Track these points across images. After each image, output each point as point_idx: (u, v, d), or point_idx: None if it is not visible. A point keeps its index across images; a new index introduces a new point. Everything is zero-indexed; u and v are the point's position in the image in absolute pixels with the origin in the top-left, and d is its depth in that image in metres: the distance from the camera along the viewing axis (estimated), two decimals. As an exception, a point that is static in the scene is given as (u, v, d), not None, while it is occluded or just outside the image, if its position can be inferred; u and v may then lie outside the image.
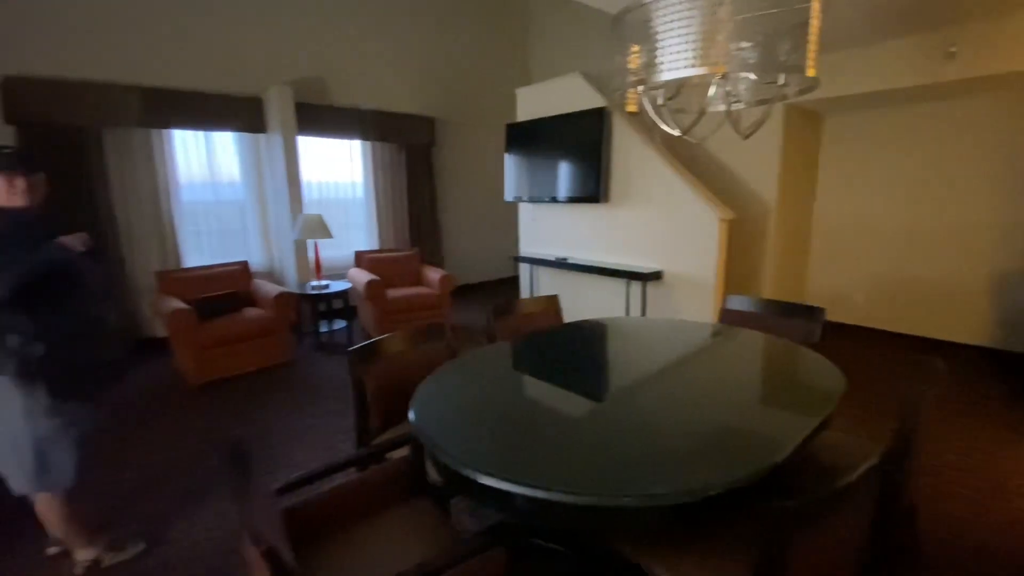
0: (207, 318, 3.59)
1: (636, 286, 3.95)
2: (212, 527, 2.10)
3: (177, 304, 3.50)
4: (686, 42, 1.31)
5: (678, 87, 1.60)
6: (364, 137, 5.46)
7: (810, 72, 1.35)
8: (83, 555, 1.86)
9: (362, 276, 4.47)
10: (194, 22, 4.38)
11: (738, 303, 2.51)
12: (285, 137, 4.55)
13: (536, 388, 1.75)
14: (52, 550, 1.93)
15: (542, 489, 1.05)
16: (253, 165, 4.91)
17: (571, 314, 4.58)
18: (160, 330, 4.29)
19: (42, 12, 3.75)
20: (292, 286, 4.62)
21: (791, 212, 4.39)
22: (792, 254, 4.58)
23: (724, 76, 1.46)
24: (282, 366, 3.90)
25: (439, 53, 6.10)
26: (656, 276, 3.77)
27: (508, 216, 7.16)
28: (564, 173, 4.32)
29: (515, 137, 4.79)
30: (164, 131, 4.33)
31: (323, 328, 4.59)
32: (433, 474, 1.54)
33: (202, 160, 4.65)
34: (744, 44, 1.44)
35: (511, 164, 4.86)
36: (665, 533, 1.30)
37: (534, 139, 4.58)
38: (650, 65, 1.46)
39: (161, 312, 3.58)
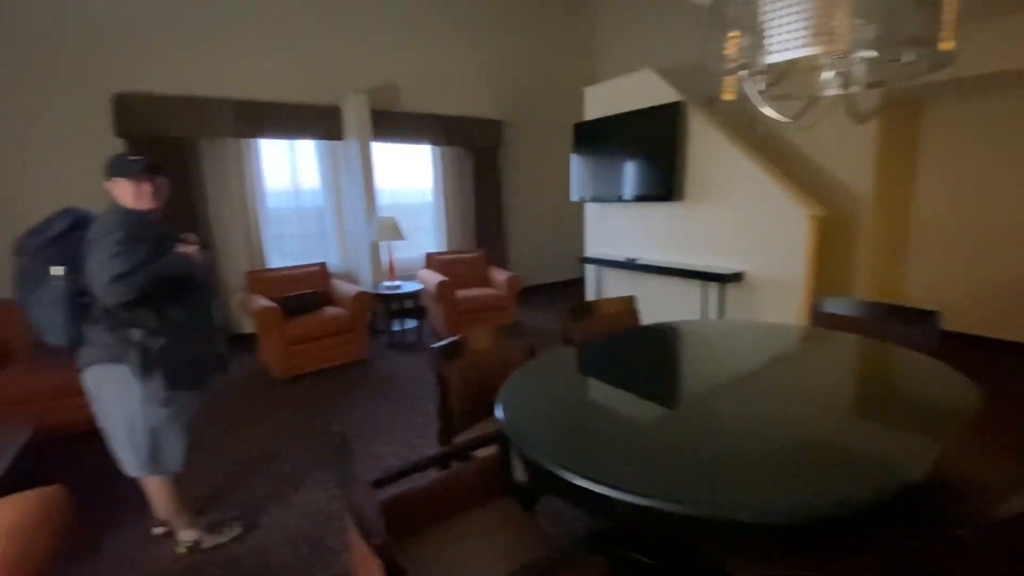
0: (291, 316, 3.78)
1: (713, 288, 3.77)
2: (303, 514, 2.19)
3: (265, 302, 3.72)
4: (800, 19, 1.21)
5: (783, 72, 1.49)
6: (433, 142, 5.58)
7: (947, 45, 1.20)
8: (185, 536, 1.98)
9: (433, 277, 4.56)
10: (279, 38, 4.66)
11: (835, 305, 2.32)
12: (361, 143, 4.73)
13: (626, 391, 1.68)
14: (157, 530, 2.07)
15: (643, 495, 1.00)
16: (331, 171, 5.15)
17: (643, 318, 4.45)
18: (247, 326, 4.59)
19: (148, 34, 4.12)
20: (367, 286, 4.79)
21: (887, 208, 4.03)
22: (888, 254, 4.20)
23: (842, 56, 1.34)
24: (358, 363, 4.04)
25: (506, 56, 6.14)
26: (736, 278, 3.57)
27: (573, 217, 7.08)
28: (634, 171, 4.20)
29: (583, 136, 4.72)
30: (253, 141, 4.63)
31: (395, 327, 4.73)
32: (520, 473, 1.52)
33: (285, 167, 4.94)
34: (861, 20, 1.31)
35: (578, 164, 4.80)
36: (776, 552, 1.20)
37: (602, 138, 4.49)
38: (754, 48, 1.37)
39: (250, 309, 3.81)
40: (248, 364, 4.08)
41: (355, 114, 4.70)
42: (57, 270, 1.56)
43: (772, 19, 1.25)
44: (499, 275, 4.84)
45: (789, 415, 1.41)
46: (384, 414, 3.14)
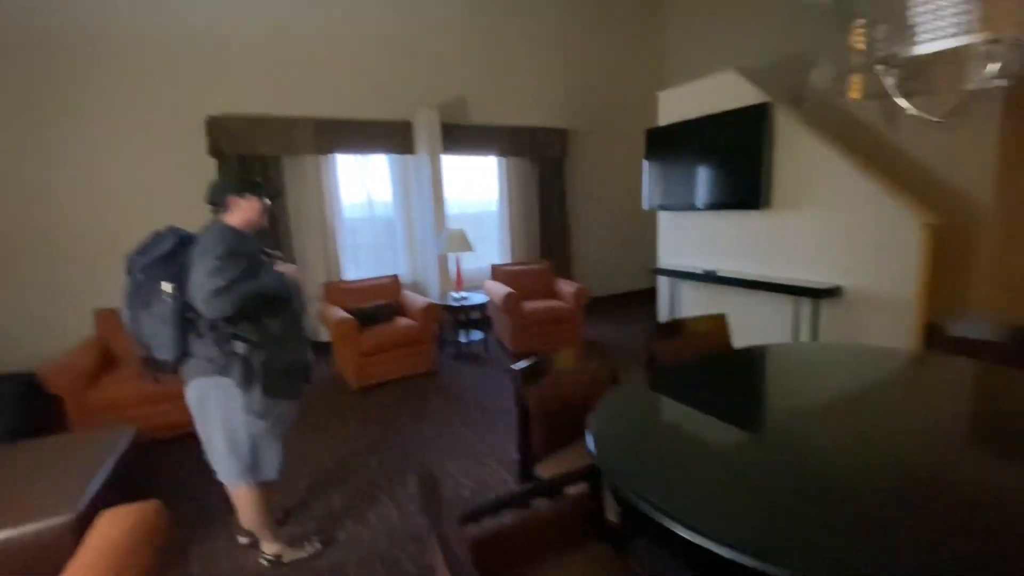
0: (365, 326, 3.86)
1: (806, 305, 3.46)
2: (379, 531, 2.17)
3: (341, 313, 3.82)
4: (959, 3, 1.03)
5: (923, 65, 1.29)
6: (500, 153, 5.58)
7: None
8: (268, 549, 2.00)
9: (499, 289, 4.52)
10: (355, 58, 4.83)
11: (966, 327, 2.02)
12: (431, 156, 4.80)
13: (729, 424, 1.52)
14: (243, 540, 2.12)
15: (757, 557, 0.86)
16: (401, 184, 5.26)
17: (735, 338, 4.18)
18: (323, 336, 4.75)
19: (238, 59, 4.39)
20: (435, 297, 4.83)
21: (1016, 216, 3.53)
22: (1013, 269, 3.68)
23: (999, 42, 1.13)
24: (428, 374, 4.06)
25: (573, 65, 6.06)
26: (833, 292, 3.25)
27: (641, 227, 6.85)
28: (715, 178, 3.96)
29: (656, 143, 4.53)
30: (330, 156, 4.82)
31: (461, 338, 4.72)
32: (613, 513, 1.40)
33: (359, 181, 5.10)
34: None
35: (651, 171, 4.60)
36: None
37: (679, 143, 4.29)
38: (889, 40, 1.19)
39: (328, 320, 3.93)
40: (323, 373, 4.20)
41: (426, 128, 4.77)
42: (167, 286, 1.63)
43: (921, 5, 1.07)
44: (566, 287, 4.72)
45: (931, 459, 1.20)
46: (454, 428, 3.11)
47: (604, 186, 6.46)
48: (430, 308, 4.02)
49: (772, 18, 5.15)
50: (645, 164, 4.65)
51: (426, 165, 4.87)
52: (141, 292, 1.66)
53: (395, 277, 4.66)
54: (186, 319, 1.69)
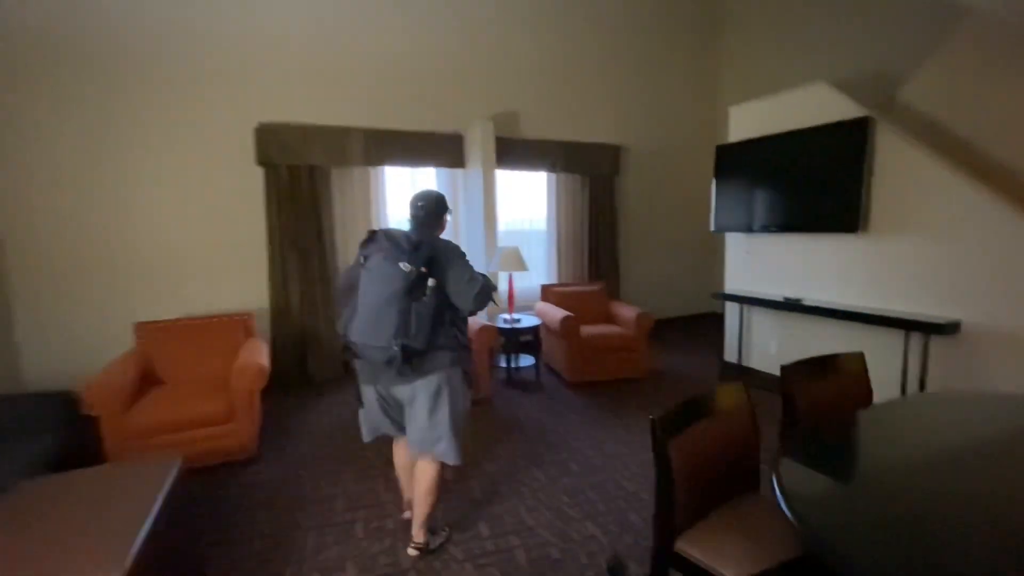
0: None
1: (915, 340, 3.09)
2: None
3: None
4: None
5: None
6: (551, 169, 5.34)
7: None
8: (422, 536, 2.07)
9: (554, 311, 4.22)
10: (406, 69, 4.66)
11: None
12: (485, 171, 4.57)
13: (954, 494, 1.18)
14: (406, 514, 2.28)
15: None
16: (450, 199, 5.02)
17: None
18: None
19: (288, 67, 4.24)
20: (485, 318, 4.55)
21: None
22: None
23: None
24: (482, 402, 3.73)
25: (626, 81, 5.84)
26: (948, 328, 2.87)
27: (697, 248, 6.53)
28: (800, 199, 3.64)
29: (727, 160, 4.24)
30: (379, 168, 4.62)
31: (511, 363, 4.41)
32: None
33: (407, 195, 4.89)
34: None
35: (720, 191, 4.30)
36: None
37: (754, 161, 3.99)
38: None
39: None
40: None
41: (480, 141, 4.55)
42: (432, 282, 1.79)
43: None
44: (625, 311, 4.40)
45: None
46: (522, 467, 2.78)
47: (657, 205, 6.17)
48: (484, 331, 3.73)
49: (839, 31, 4.88)
50: (713, 183, 4.35)
51: (477, 179, 4.64)
52: (417, 285, 1.76)
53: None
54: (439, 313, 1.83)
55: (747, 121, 4.17)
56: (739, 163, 4.13)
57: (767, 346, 4.16)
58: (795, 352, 4.02)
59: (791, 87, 3.81)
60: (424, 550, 2.05)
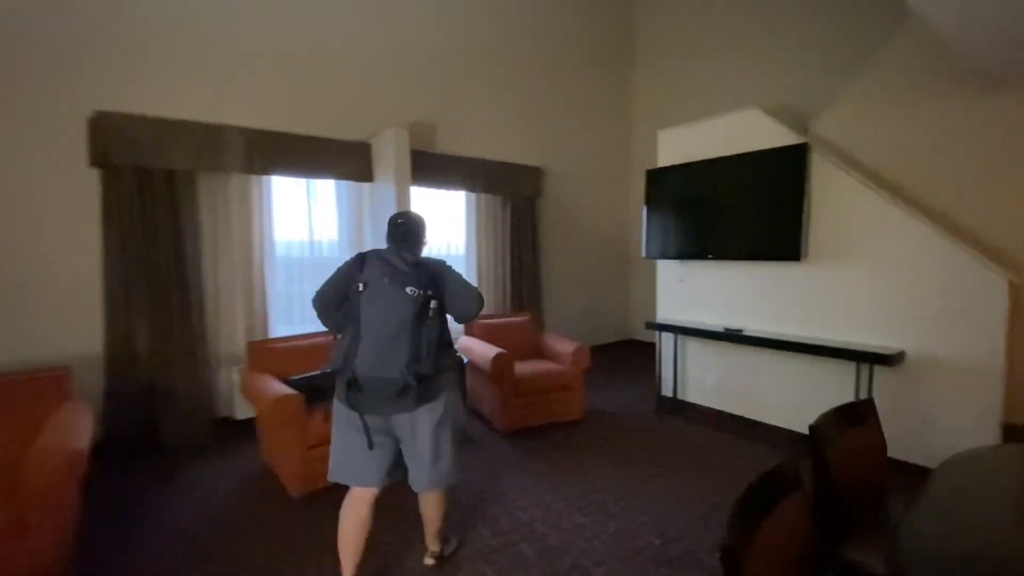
0: (314, 404, 2.80)
1: (849, 370, 3.02)
2: None
3: (277, 386, 2.75)
4: None
5: None
6: (470, 188, 4.85)
7: None
8: (437, 546, 2.10)
9: (482, 347, 3.66)
10: (305, 62, 3.94)
11: None
12: (398, 186, 3.93)
13: None
14: (430, 561, 2.11)
15: None
16: (354, 218, 4.31)
17: (750, 406, 3.61)
18: (241, 411, 3.56)
19: (140, 40, 3.32)
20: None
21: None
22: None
23: None
24: (397, 467, 3.04)
25: (545, 102, 5.59)
26: (895, 359, 2.81)
27: (619, 275, 6.40)
28: (738, 225, 3.51)
29: (658, 185, 4.06)
30: (263, 178, 3.78)
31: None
32: None
33: (299, 212, 4.07)
34: None
35: (651, 216, 4.10)
36: None
37: (688, 185, 3.84)
38: None
39: (255, 394, 2.83)
40: (248, 469, 3.02)
41: (393, 151, 3.92)
42: (435, 303, 1.75)
43: None
44: (558, 344, 3.97)
45: None
46: (456, 560, 2.15)
47: (578, 230, 5.93)
48: (404, 376, 3.05)
49: (750, 66, 5.07)
50: (645, 208, 4.14)
51: (388, 195, 3.99)
52: (424, 309, 1.70)
53: (347, 333, 3.63)
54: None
55: (677, 145, 4.04)
56: (671, 187, 3.96)
57: (704, 379, 3.97)
58: (734, 385, 3.84)
59: (723, 112, 3.73)
60: (440, 557, 2.11)
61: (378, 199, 4.17)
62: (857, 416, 1.64)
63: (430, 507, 2.00)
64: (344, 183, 4.22)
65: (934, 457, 2.79)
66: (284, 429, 2.64)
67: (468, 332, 4.16)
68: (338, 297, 1.82)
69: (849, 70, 4.05)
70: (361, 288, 1.72)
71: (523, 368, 3.69)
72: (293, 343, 3.35)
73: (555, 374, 3.73)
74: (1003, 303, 2.54)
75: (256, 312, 3.78)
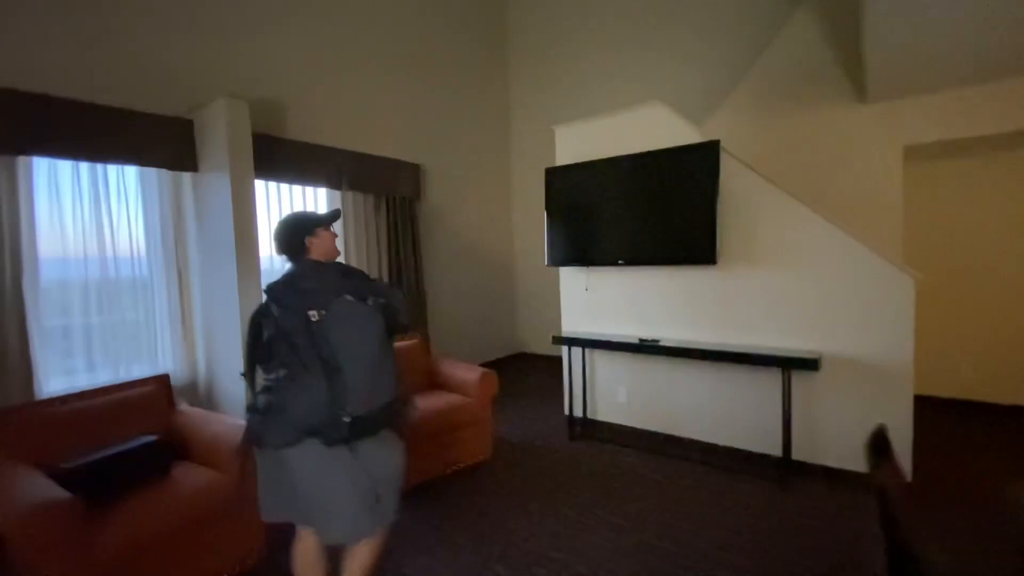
0: (98, 500, 1.80)
1: (768, 377, 2.92)
2: None
3: (37, 483, 1.70)
4: None
5: None
6: (334, 185, 3.98)
7: None
8: None
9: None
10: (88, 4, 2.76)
11: None
12: (236, 177, 2.95)
13: None
14: None
15: None
16: (168, 220, 3.18)
17: (665, 420, 3.36)
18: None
19: None
20: (239, 412, 2.85)
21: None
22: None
23: None
24: (255, 552, 2.13)
25: (424, 95, 4.93)
26: (816, 364, 2.73)
27: (504, 284, 5.94)
28: (649, 228, 3.26)
29: (558, 185, 3.67)
30: (20, 160, 2.54)
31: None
32: None
33: (81, 212, 2.84)
34: None
35: (553, 219, 3.70)
36: None
37: (592, 186, 3.50)
38: None
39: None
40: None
41: (225, 131, 2.93)
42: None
43: None
44: (459, 371, 3.32)
45: None
46: None
47: (459, 235, 5.34)
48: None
49: (629, 65, 5.02)
50: (547, 212, 3.72)
51: (222, 191, 2.98)
52: (386, 329, 1.59)
53: (162, 380, 2.57)
54: None
55: (575, 142, 3.70)
56: (573, 188, 3.60)
57: (615, 394, 3.66)
58: (647, 399, 3.50)
59: (624, 107, 3.47)
60: None
61: (207, 196, 3.11)
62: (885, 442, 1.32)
63: (368, 558, 1.59)
64: (153, 173, 3.08)
65: (846, 458, 2.79)
66: (48, 547, 1.61)
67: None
68: (285, 349, 1.47)
69: (725, 77, 4.12)
70: (317, 318, 1.46)
71: (423, 405, 2.97)
72: (79, 404, 2.24)
73: (459, 408, 3.08)
74: (911, 299, 2.57)
75: (11, 358, 2.50)
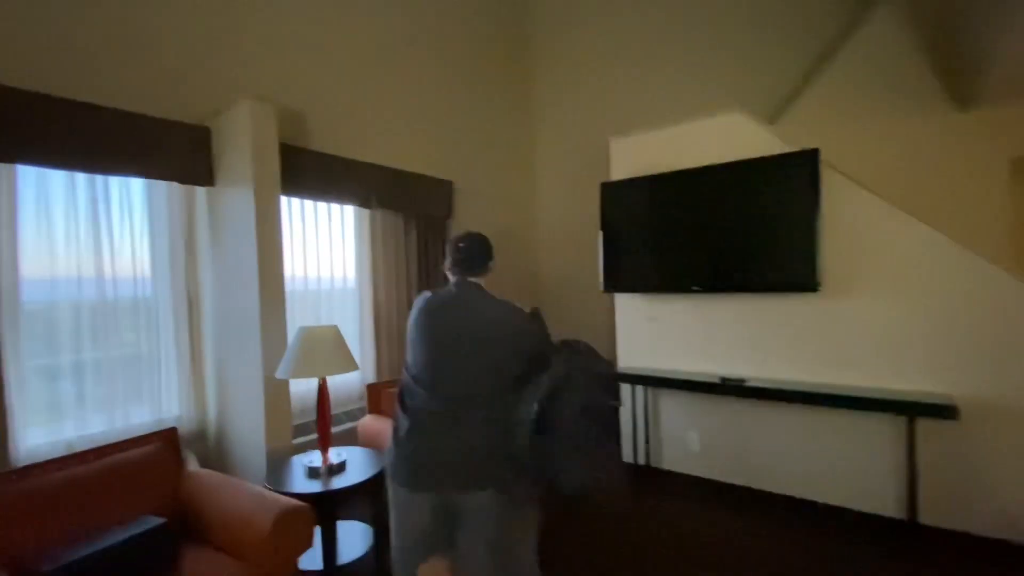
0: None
1: (881, 423, 2.48)
2: None
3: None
4: None
5: None
6: (362, 203, 3.56)
7: None
8: None
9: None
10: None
11: None
12: (260, 192, 2.53)
13: None
14: None
15: None
16: (179, 240, 2.74)
17: (750, 472, 2.90)
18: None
19: None
20: (262, 470, 2.36)
21: None
22: None
23: None
24: None
25: (451, 107, 4.57)
26: (946, 412, 2.28)
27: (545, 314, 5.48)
28: (730, 251, 2.85)
29: (618, 202, 3.28)
30: (0, 168, 2.12)
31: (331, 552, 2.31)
32: None
33: (76, 229, 2.40)
34: None
35: (611, 239, 3.29)
36: None
37: (657, 204, 3.11)
38: None
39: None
40: None
41: (250, 140, 2.52)
42: None
43: None
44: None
45: None
46: None
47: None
48: (287, 517, 1.68)
49: (663, 74, 4.67)
50: (602, 232, 3.32)
51: (243, 208, 2.56)
52: None
53: (169, 434, 2.10)
54: None
55: (635, 155, 3.32)
56: (636, 205, 3.21)
57: (686, 440, 3.19)
58: (728, 447, 2.98)
59: (694, 116, 3.09)
60: None
61: (225, 213, 2.69)
62: None
63: None
64: (162, 187, 2.66)
65: (999, 526, 2.32)
66: None
67: (374, 408, 2.85)
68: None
69: (775, 84, 3.77)
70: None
71: None
72: (66, 473, 1.76)
73: None
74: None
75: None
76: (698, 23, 4.46)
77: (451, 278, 1.71)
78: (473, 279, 1.67)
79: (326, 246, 3.48)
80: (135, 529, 1.60)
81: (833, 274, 2.64)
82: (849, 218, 2.63)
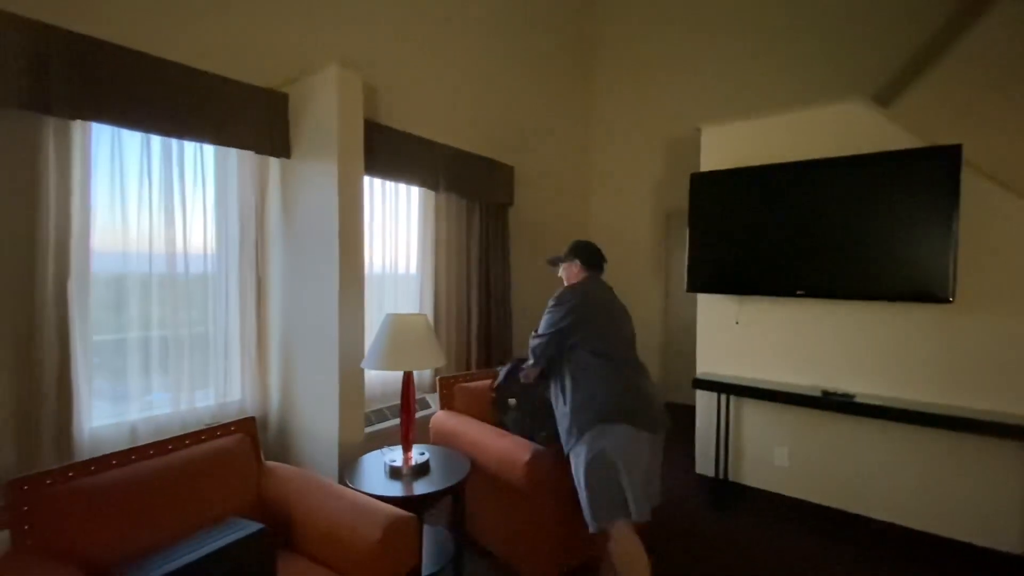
0: None
1: (1007, 450, 2.23)
2: None
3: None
4: None
5: None
6: (431, 185, 3.36)
7: None
8: None
9: (490, 436, 2.22)
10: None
11: None
12: (343, 167, 2.33)
13: None
14: None
15: None
16: (251, 214, 2.56)
17: (845, 494, 2.68)
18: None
19: None
20: (333, 460, 2.19)
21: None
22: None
23: None
24: None
25: (515, 90, 4.35)
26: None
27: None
28: (844, 253, 2.60)
29: (710, 195, 3.04)
30: (75, 126, 1.93)
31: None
32: None
33: (149, 198, 2.22)
34: None
35: (698, 236, 3.06)
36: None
37: (756, 198, 2.86)
38: None
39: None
40: None
41: (335, 109, 2.32)
42: None
43: None
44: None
45: None
46: None
47: (544, 252, 4.69)
48: (396, 526, 1.49)
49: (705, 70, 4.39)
50: (691, 226, 3.08)
51: (324, 185, 2.37)
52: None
53: (247, 424, 1.93)
54: None
55: (732, 145, 3.07)
56: (731, 198, 2.96)
57: (772, 455, 2.96)
58: (822, 465, 2.74)
59: (818, 104, 2.82)
60: None
61: (301, 188, 2.50)
62: None
63: None
64: (232, 156, 2.48)
65: None
66: None
67: (446, 404, 2.66)
68: None
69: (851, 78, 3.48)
70: None
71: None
72: (140, 467, 1.58)
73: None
74: None
75: (46, 385, 1.87)
76: (783, 11, 4.19)
77: (583, 273, 2.15)
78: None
79: (392, 230, 3.29)
80: (230, 534, 1.41)
81: (968, 284, 2.38)
82: (988, 222, 2.37)
